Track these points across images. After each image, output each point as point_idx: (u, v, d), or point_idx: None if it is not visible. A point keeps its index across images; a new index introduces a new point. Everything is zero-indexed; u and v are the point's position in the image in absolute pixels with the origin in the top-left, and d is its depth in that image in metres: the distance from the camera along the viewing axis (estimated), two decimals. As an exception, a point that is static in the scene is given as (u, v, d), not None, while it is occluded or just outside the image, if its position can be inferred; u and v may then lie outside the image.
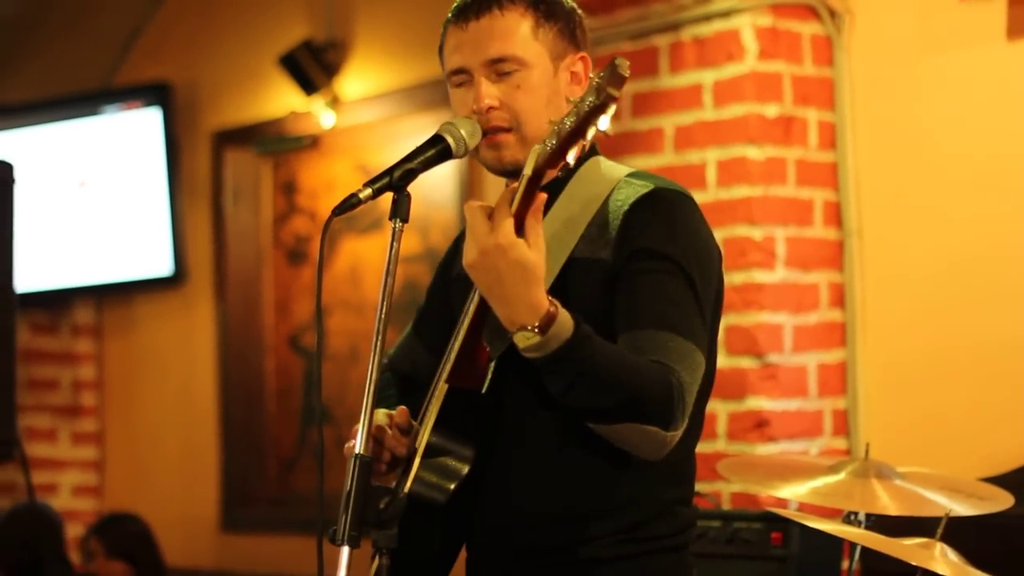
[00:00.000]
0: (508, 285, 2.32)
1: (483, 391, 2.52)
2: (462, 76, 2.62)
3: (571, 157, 2.26)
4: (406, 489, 2.48)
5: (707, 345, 2.52)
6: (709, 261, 2.58)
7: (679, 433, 2.44)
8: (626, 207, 2.55)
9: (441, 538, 2.57)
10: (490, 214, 2.34)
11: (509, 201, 2.32)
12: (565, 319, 2.34)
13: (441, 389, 2.54)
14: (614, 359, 2.39)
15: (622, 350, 2.43)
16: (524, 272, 2.31)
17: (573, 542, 2.56)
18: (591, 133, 2.23)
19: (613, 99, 2.20)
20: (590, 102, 2.21)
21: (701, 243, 2.57)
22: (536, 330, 2.32)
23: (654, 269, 2.50)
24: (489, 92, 2.58)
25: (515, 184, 2.33)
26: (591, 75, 2.24)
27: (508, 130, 2.58)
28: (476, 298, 2.45)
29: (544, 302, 2.33)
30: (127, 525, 5.86)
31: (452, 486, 2.51)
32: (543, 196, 2.33)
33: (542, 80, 2.59)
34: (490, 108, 2.57)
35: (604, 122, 2.22)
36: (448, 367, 2.52)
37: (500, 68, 2.58)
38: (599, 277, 2.52)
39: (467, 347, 2.49)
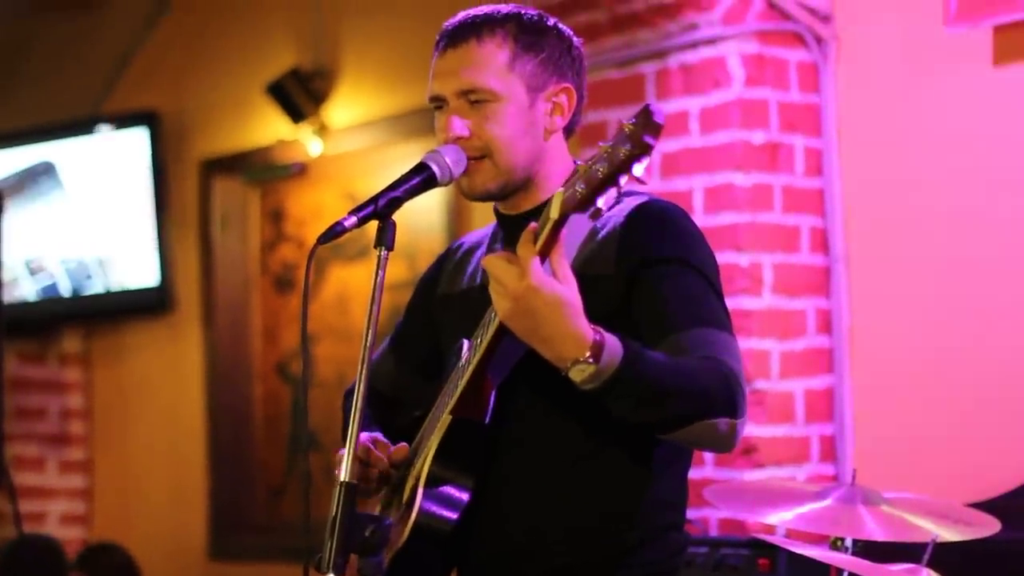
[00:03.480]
0: (551, 324, 2.30)
1: (486, 421, 2.52)
2: (439, 102, 2.64)
3: (601, 203, 2.22)
4: (412, 519, 2.49)
5: None
6: (712, 258, 2.59)
7: (746, 420, 2.44)
8: (622, 220, 2.55)
9: (440, 565, 2.58)
10: (509, 260, 2.31)
11: (532, 242, 2.30)
12: (613, 342, 2.32)
13: (444, 420, 2.54)
14: (669, 367, 2.38)
15: (670, 356, 2.41)
16: (563, 307, 2.29)
17: (567, 567, 2.57)
18: (624, 181, 2.20)
19: (650, 148, 2.17)
20: (625, 151, 2.18)
21: (702, 243, 2.59)
22: (589, 361, 2.30)
23: (668, 274, 2.51)
24: (458, 124, 2.59)
25: (534, 226, 2.30)
26: (624, 123, 2.19)
27: (480, 159, 2.59)
28: (489, 334, 2.43)
29: (589, 331, 2.31)
30: (111, 556, 5.83)
31: (456, 515, 2.52)
32: (563, 234, 2.30)
33: (515, 112, 2.59)
34: (458, 138, 2.59)
35: (639, 170, 2.19)
36: (454, 400, 2.52)
37: (471, 98, 2.59)
38: (602, 293, 2.51)
39: (474, 380, 2.49)
